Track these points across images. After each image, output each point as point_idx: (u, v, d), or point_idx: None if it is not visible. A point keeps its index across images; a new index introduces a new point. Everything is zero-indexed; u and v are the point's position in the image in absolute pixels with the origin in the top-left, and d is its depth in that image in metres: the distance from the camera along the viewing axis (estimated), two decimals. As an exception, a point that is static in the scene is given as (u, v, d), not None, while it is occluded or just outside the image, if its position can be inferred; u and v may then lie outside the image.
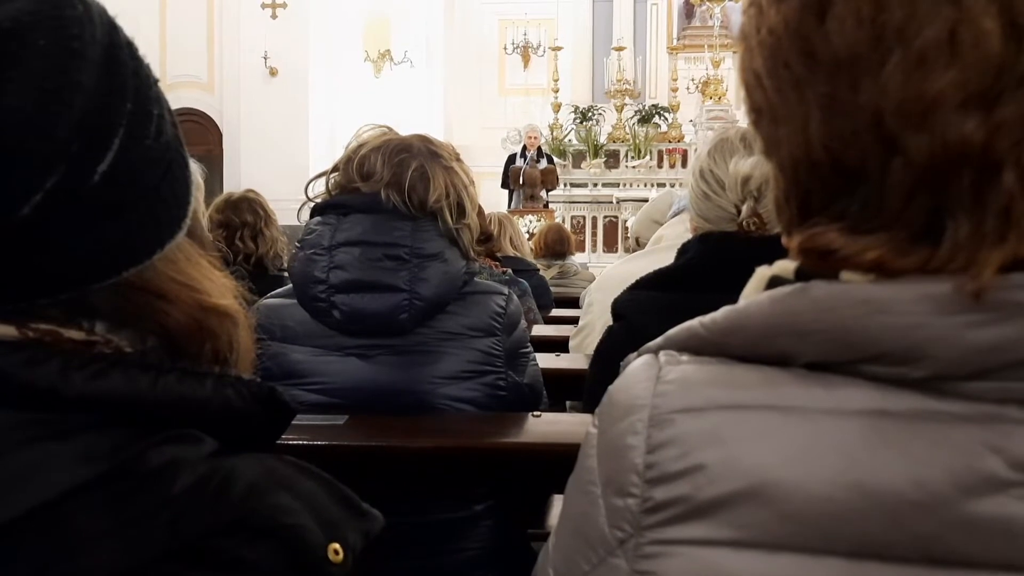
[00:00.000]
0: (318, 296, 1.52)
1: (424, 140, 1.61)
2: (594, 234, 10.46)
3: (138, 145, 0.55)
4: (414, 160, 1.54)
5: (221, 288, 0.64)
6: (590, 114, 12.11)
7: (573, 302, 3.85)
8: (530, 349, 1.71)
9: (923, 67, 0.47)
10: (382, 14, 12.57)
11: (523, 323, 1.68)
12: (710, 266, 1.42)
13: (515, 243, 4.32)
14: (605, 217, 10.44)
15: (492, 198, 9.34)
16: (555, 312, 3.82)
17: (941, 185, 0.48)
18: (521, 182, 9.57)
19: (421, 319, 1.52)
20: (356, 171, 1.56)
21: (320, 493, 0.58)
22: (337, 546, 0.55)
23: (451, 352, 1.54)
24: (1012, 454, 0.46)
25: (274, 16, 11.72)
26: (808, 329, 0.51)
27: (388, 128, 1.64)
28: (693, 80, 12.36)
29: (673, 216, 2.59)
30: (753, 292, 0.57)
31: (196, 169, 0.68)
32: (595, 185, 10.84)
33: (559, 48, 12.10)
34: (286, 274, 1.85)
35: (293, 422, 0.65)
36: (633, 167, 11.05)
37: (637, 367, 0.59)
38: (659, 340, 0.59)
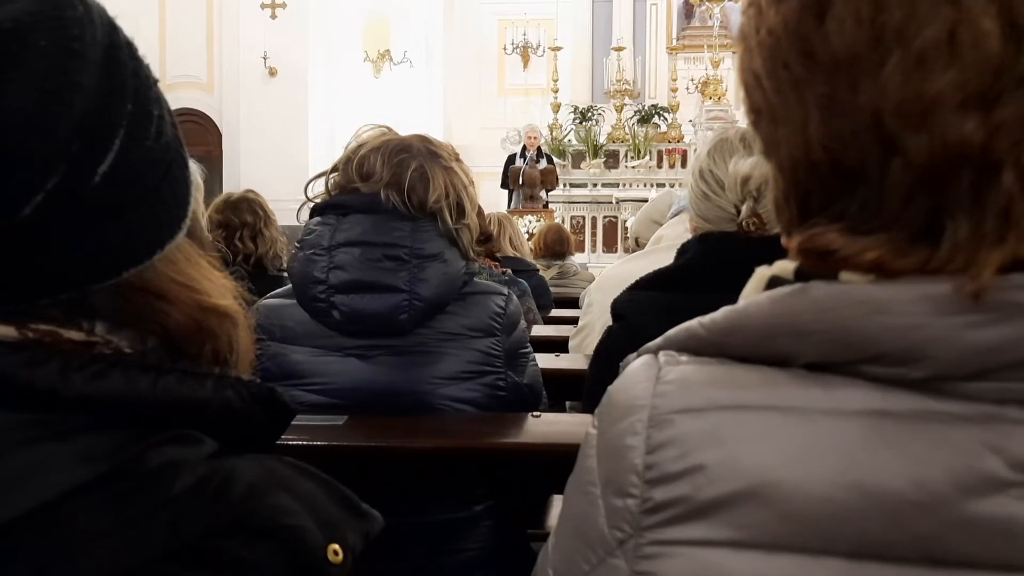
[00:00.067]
0: (318, 296, 1.52)
1: (424, 140, 1.61)
2: (594, 234, 10.46)
3: (138, 146, 0.56)
4: (414, 160, 1.54)
5: (221, 288, 0.64)
6: (589, 114, 12.11)
7: (573, 302, 3.85)
8: (530, 349, 1.71)
9: (922, 68, 0.47)
10: (381, 14, 12.57)
11: (523, 323, 1.68)
12: (710, 266, 1.42)
13: (515, 243, 4.32)
14: (605, 217, 10.44)
15: (492, 198, 9.33)
16: (555, 312, 3.82)
17: (940, 185, 0.48)
18: (521, 182, 9.57)
19: (421, 319, 1.52)
20: (356, 171, 1.56)
21: (320, 494, 0.58)
22: (337, 547, 0.55)
23: (451, 352, 1.54)
24: (1012, 454, 0.46)
25: (273, 16, 11.72)
26: (808, 329, 0.51)
27: (388, 128, 1.64)
28: (692, 80, 12.36)
29: (673, 216, 2.59)
30: (753, 292, 0.57)
31: (195, 169, 0.68)
32: (595, 185, 10.84)
33: (559, 48, 12.11)
34: (285, 274, 1.85)
35: (293, 422, 0.65)
36: (633, 167, 11.05)
37: (637, 367, 0.59)
38: (659, 340, 0.59)
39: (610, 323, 1.61)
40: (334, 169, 1.60)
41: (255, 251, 3.11)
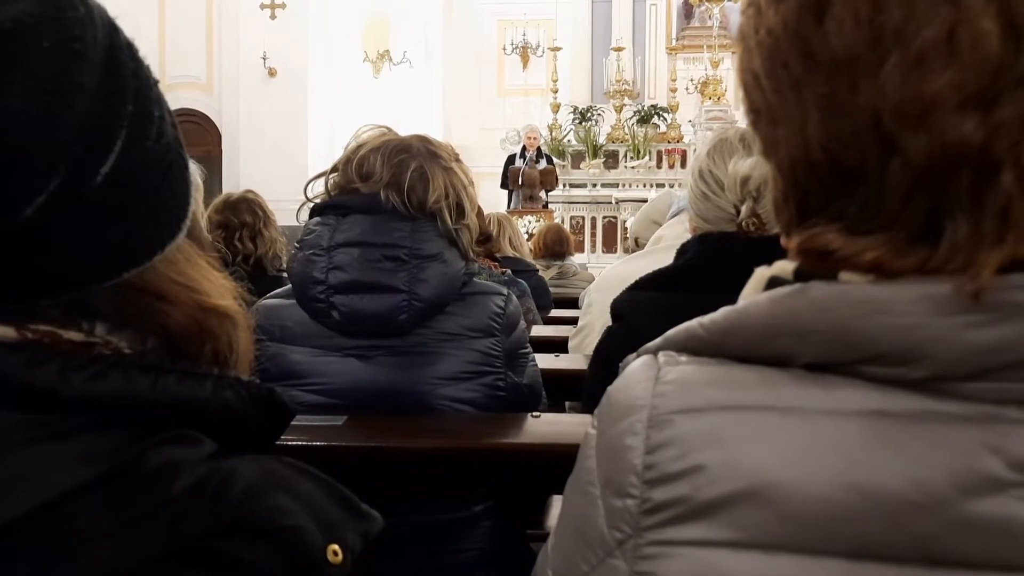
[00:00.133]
0: (317, 297, 1.52)
1: (423, 140, 1.61)
2: (593, 234, 10.46)
3: (139, 147, 0.56)
4: (413, 160, 1.54)
5: (220, 289, 0.64)
6: (589, 114, 12.11)
7: (572, 302, 3.85)
8: (529, 350, 1.71)
9: (921, 68, 0.47)
10: (381, 14, 12.57)
11: (522, 324, 1.68)
12: (709, 266, 1.42)
13: (514, 243, 4.33)
14: (604, 217, 10.44)
15: (491, 198, 9.33)
16: (554, 312, 3.82)
17: (939, 186, 0.48)
18: (520, 182, 9.57)
19: (420, 320, 1.52)
20: (355, 171, 1.56)
21: (319, 494, 0.58)
22: (336, 547, 0.55)
23: (450, 353, 1.54)
24: (1011, 454, 0.46)
25: (273, 16, 11.71)
26: (807, 329, 0.51)
27: (387, 128, 1.64)
28: (692, 80, 12.36)
29: (672, 216, 2.59)
30: (752, 293, 0.57)
31: (195, 170, 0.68)
32: (594, 185, 10.84)
33: (558, 48, 12.11)
34: (285, 275, 1.85)
35: (292, 423, 0.65)
36: (632, 167, 11.06)
37: (636, 368, 0.59)
38: (658, 341, 0.59)
39: (610, 323, 1.61)
40: (334, 169, 1.60)
41: (254, 251, 3.11)
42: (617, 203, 10.27)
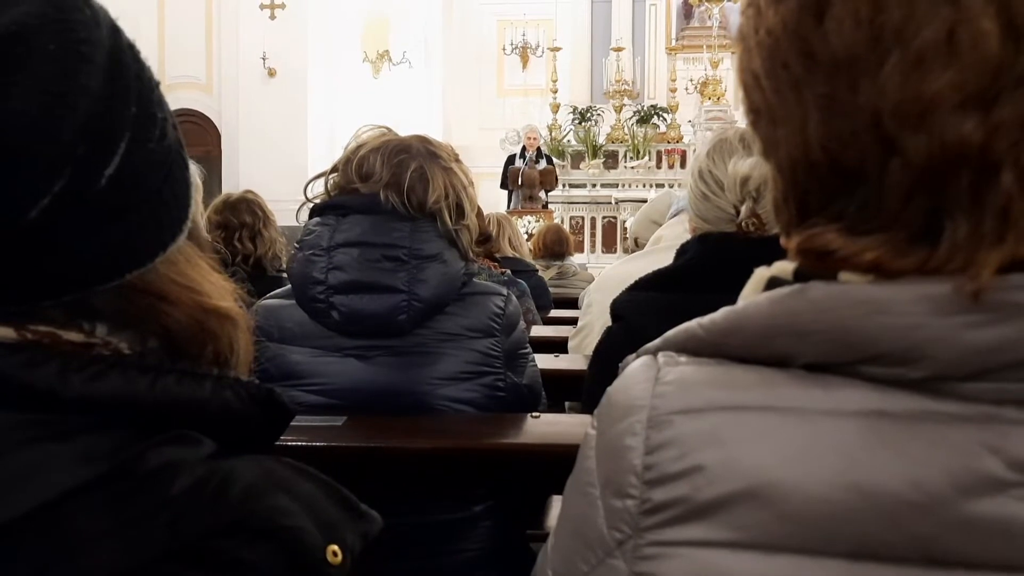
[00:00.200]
0: (317, 297, 1.52)
1: (423, 141, 1.61)
2: (593, 235, 10.46)
3: (142, 148, 0.56)
4: (413, 161, 1.54)
5: (221, 290, 0.64)
6: (589, 115, 12.11)
7: (572, 303, 3.85)
8: (529, 350, 1.71)
9: (921, 68, 0.47)
10: (381, 15, 12.57)
11: (522, 324, 1.68)
12: (709, 267, 1.42)
13: (514, 244, 4.33)
14: (604, 218, 10.44)
15: (491, 199, 9.33)
16: (554, 313, 3.82)
17: (939, 186, 0.48)
18: (520, 183, 9.56)
19: (420, 320, 1.52)
20: (355, 172, 1.56)
21: (318, 495, 0.58)
22: (336, 547, 0.55)
23: (450, 353, 1.54)
24: (1010, 454, 0.46)
25: (272, 17, 11.72)
26: (807, 330, 0.51)
27: (387, 129, 1.64)
28: (692, 80, 12.37)
29: (672, 217, 2.59)
30: (752, 293, 0.57)
31: (194, 170, 0.68)
32: (594, 186, 10.84)
33: (558, 49, 12.11)
34: (285, 275, 1.85)
35: (292, 423, 0.65)
36: (632, 167, 11.06)
37: (636, 368, 0.59)
38: (658, 341, 0.59)
39: (609, 324, 1.61)
40: (333, 169, 1.60)
41: (254, 252, 3.11)
42: (617, 203, 10.27)
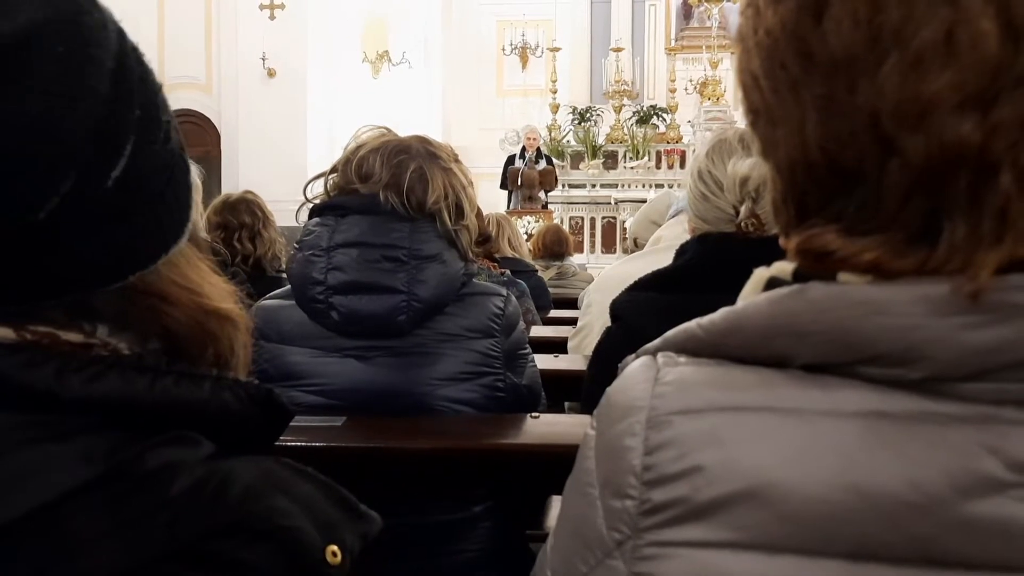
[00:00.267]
0: (316, 297, 1.52)
1: (423, 141, 1.61)
2: (592, 235, 10.46)
3: (147, 151, 0.56)
4: (413, 161, 1.54)
5: (221, 292, 0.65)
6: (588, 115, 12.11)
7: (571, 303, 3.85)
8: (528, 350, 1.71)
9: (920, 68, 0.47)
10: (380, 15, 12.58)
11: (521, 324, 1.68)
12: (708, 267, 1.42)
13: (513, 244, 4.33)
14: (603, 218, 10.44)
15: (491, 199, 9.34)
16: (553, 313, 3.82)
17: (938, 186, 0.48)
18: (519, 183, 9.57)
19: (419, 320, 1.52)
20: (355, 172, 1.56)
21: (317, 495, 0.58)
22: (335, 548, 0.55)
23: (449, 353, 1.54)
24: (1009, 455, 0.47)
25: (272, 17, 11.72)
26: (806, 330, 0.51)
27: (387, 129, 1.64)
28: (691, 81, 12.37)
29: (671, 217, 2.59)
30: (751, 293, 0.57)
31: (194, 171, 0.68)
32: (593, 186, 10.84)
33: (557, 49, 12.11)
34: (284, 275, 1.85)
35: (291, 423, 0.65)
36: (631, 168, 11.06)
37: (635, 369, 0.59)
38: (657, 342, 0.59)
39: (609, 324, 1.61)
40: (333, 170, 1.60)
41: (254, 252, 3.11)
42: (616, 203, 10.27)
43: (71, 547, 0.48)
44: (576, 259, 5.95)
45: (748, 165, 1.40)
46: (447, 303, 1.55)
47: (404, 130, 1.69)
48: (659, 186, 9.76)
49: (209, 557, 0.51)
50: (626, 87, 12.05)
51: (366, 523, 0.60)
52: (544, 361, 2.08)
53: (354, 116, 9.25)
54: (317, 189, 1.60)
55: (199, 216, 0.67)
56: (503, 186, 10.00)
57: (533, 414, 1.57)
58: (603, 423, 0.59)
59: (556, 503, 1.24)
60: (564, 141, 11.54)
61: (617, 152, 11.32)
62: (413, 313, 1.50)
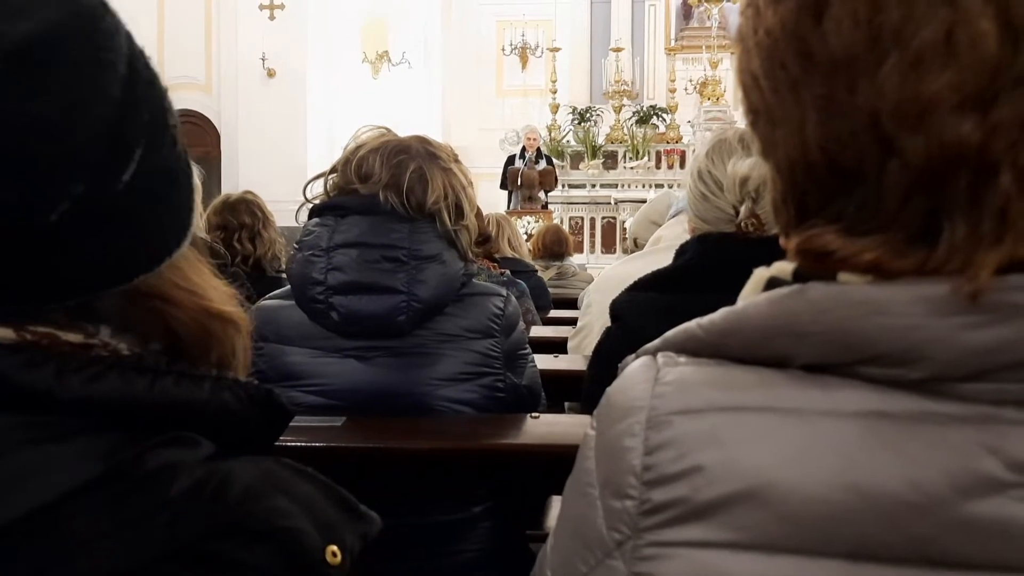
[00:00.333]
0: (316, 298, 1.52)
1: (422, 141, 1.61)
2: (592, 235, 10.46)
3: (156, 155, 0.57)
4: (412, 161, 1.54)
5: (223, 294, 0.65)
6: (588, 115, 12.11)
7: (571, 303, 3.85)
8: (528, 350, 1.71)
9: (920, 68, 0.47)
10: (380, 15, 12.57)
11: (521, 324, 1.68)
12: (708, 267, 1.42)
13: (513, 244, 4.33)
14: (603, 218, 10.45)
15: (491, 199, 9.34)
16: (553, 313, 3.82)
17: (938, 186, 0.48)
18: (519, 183, 9.57)
19: (419, 321, 1.52)
20: (354, 172, 1.56)
21: (317, 496, 0.58)
22: (335, 548, 0.55)
23: (449, 354, 1.54)
24: (1009, 455, 0.46)
25: (272, 17, 11.71)
26: (806, 330, 0.51)
27: (386, 129, 1.64)
28: (691, 81, 12.36)
29: (671, 217, 2.59)
30: (751, 294, 0.57)
31: (195, 173, 0.69)
32: (593, 186, 10.84)
33: (557, 49, 12.10)
34: (284, 276, 1.85)
35: (291, 424, 0.65)
36: (631, 168, 11.06)
37: (635, 369, 0.59)
38: (657, 342, 0.59)
39: (609, 324, 1.61)
40: (333, 170, 1.60)
41: (253, 252, 3.11)
42: (616, 203, 10.27)
43: (71, 547, 0.48)
44: (576, 259, 5.95)
45: (748, 165, 1.40)
46: (447, 303, 1.55)
47: (404, 130, 1.69)
48: (659, 186, 9.76)
49: (209, 557, 0.51)
50: (626, 87, 12.05)
51: (366, 523, 0.60)
52: (544, 361, 2.08)
53: (354, 116, 9.25)
54: (317, 189, 1.60)
55: (199, 217, 0.67)
56: (503, 186, 10.00)
57: (533, 414, 1.57)
58: (603, 423, 0.59)
59: (556, 503, 1.24)
60: (564, 141, 11.54)
61: (617, 152, 11.32)
62: (413, 313, 1.50)
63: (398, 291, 1.49)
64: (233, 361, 0.65)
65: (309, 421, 1.44)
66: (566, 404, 2.33)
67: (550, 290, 4.28)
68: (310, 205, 1.60)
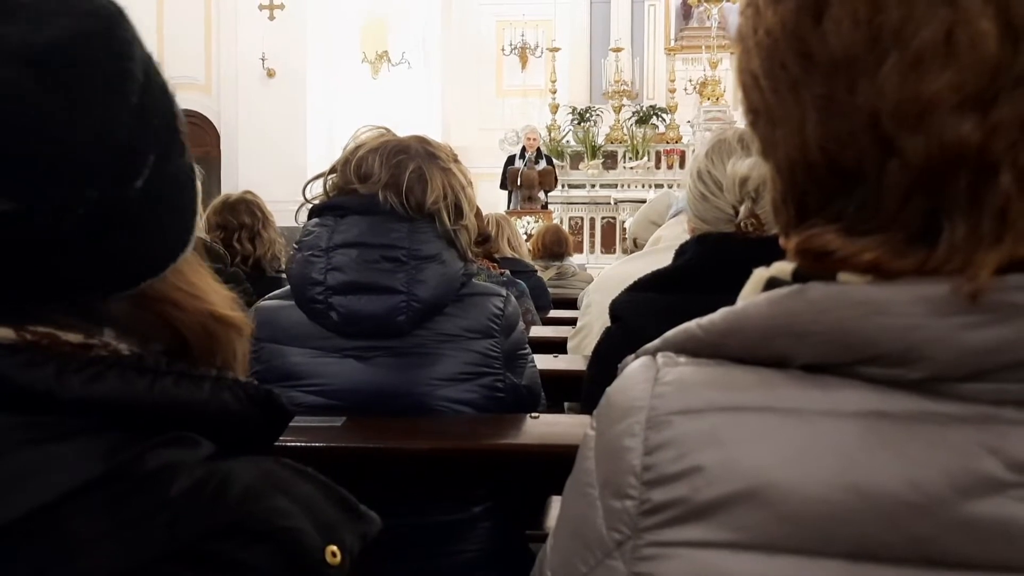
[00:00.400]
0: (316, 298, 1.52)
1: (422, 141, 1.61)
2: (592, 235, 10.47)
3: (167, 161, 0.58)
4: (411, 161, 1.54)
5: (225, 298, 0.66)
6: (588, 115, 12.11)
7: (571, 303, 3.85)
8: (528, 350, 1.71)
9: (920, 68, 0.47)
10: (380, 15, 12.57)
11: (521, 325, 1.68)
12: (708, 267, 1.42)
13: (513, 244, 4.33)
14: (603, 218, 10.45)
15: (491, 199, 9.33)
16: (553, 313, 3.82)
17: (937, 186, 0.48)
18: (519, 183, 9.57)
19: (419, 321, 1.52)
20: (354, 172, 1.56)
21: (317, 496, 0.58)
22: (335, 548, 0.55)
23: (449, 354, 1.54)
24: (1009, 455, 0.46)
25: (272, 17, 11.71)
26: (806, 330, 0.51)
27: (386, 129, 1.64)
28: (691, 81, 12.36)
29: (671, 217, 2.59)
30: (751, 294, 0.57)
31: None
32: (593, 186, 10.84)
33: (557, 49, 12.10)
34: (284, 276, 1.85)
35: (291, 424, 0.65)
36: (631, 168, 11.06)
37: (635, 369, 0.59)
38: (657, 342, 0.59)
39: (608, 324, 1.61)
40: (332, 170, 1.60)
41: (253, 252, 3.11)
42: (616, 204, 10.27)
43: (71, 547, 0.48)
44: (576, 259, 5.95)
45: (748, 165, 1.40)
46: (446, 303, 1.55)
47: (404, 130, 1.69)
48: (659, 186, 9.76)
49: (209, 557, 0.51)
50: (625, 87, 12.05)
51: (366, 523, 0.60)
52: (544, 361, 2.08)
53: (354, 116, 9.24)
54: (316, 190, 1.60)
55: (199, 217, 0.68)
56: (503, 186, 10.00)
57: (533, 414, 1.57)
58: (603, 423, 0.59)
59: (556, 503, 1.24)
60: (564, 141, 11.54)
61: (617, 152, 11.32)
62: (412, 313, 1.50)
63: (398, 291, 1.49)
64: (234, 364, 0.65)
65: (309, 421, 1.44)
66: (566, 404, 2.33)
67: (550, 290, 4.28)
68: (309, 206, 1.60)
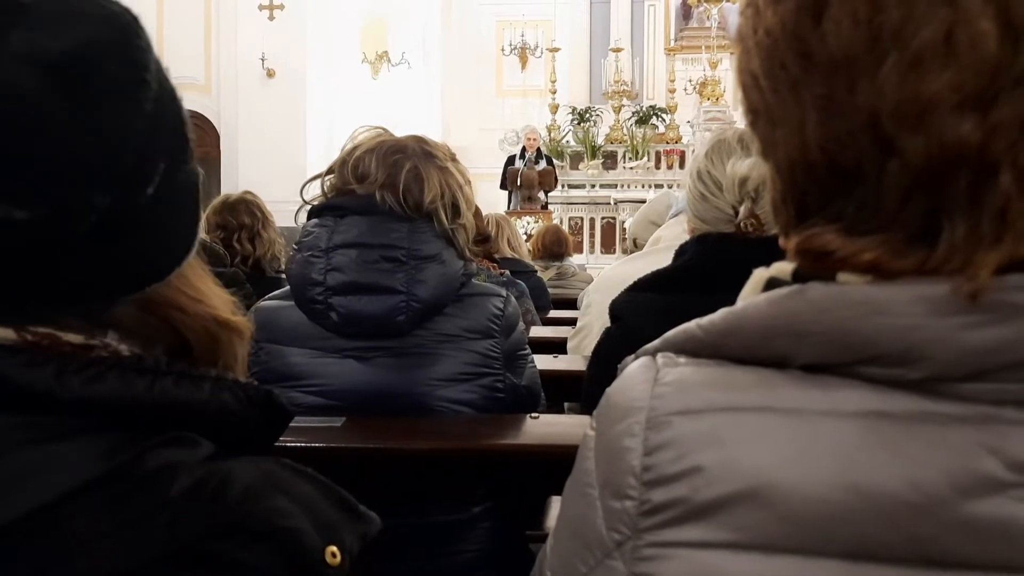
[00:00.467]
0: (315, 298, 1.52)
1: (419, 141, 1.61)
2: (592, 235, 10.47)
3: (176, 168, 0.58)
4: (408, 161, 1.54)
5: (226, 302, 0.66)
6: (588, 115, 12.11)
7: (571, 303, 3.85)
8: (528, 351, 1.71)
9: (919, 68, 0.47)
10: (379, 15, 12.57)
11: (521, 325, 1.68)
12: (708, 268, 1.42)
13: (513, 244, 4.33)
14: (603, 218, 10.45)
15: (490, 199, 9.33)
16: (553, 313, 3.82)
17: (937, 187, 0.48)
18: (519, 183, 9.57)
19: (419, 321, 1.52)
20: (351, 173, 1.56)
21: (317, 496, 0.58)
22: (334, 548, 0.55)
23: (449, 354, 1.54)
24: (1009, 455, 0.46)
25: (271, 18, 11.71)
26: (806, 330, 0.51)
27: (383, 129, 1.64)
28: (691, 81, 12.36)
29: (671, 217, 2.59)
30: (751, 294, 0.57)
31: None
32: (593, 186, 10.84)
33: (556, 49, 12.10)
34: (283, 276, 1.85)
35: (291, 424, 0.65)
36: (631, 168, 11.06)
37: (635, 369, 0.59)
38: (657, 342, 0.59)
39: (608, 324, 1.61)
40: (329, 171, 1.60)
41: (253, 253, 3.11)
42: (616, 204, 10.28)
43: (71, 547, 0.48)
44: (575, 259, 5.95)
45: (747, 165, 1.40)
46: (446, 303, 1.55)
47: (403, 130, 1.69)
48: (658, 186, 9.76)
49: (209, 557, 0.51)
50: (625, 87, 12.05)
51: (365, 524, 0.60)
52: (543, 361, 2.08)
53: (353, 116, 9.23)
54: (314, 191, 1.60)
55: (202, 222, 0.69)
56: (503, 186, 10.00)
57: (533, 414, 1.57)
58: (602, 424, 0.59)
59: (556, 503, 1.24)
60: (563, 141, 11.54)
61: (616, 152, 11.33)
62: (412, 313, 1.50)
63: (397, 291, 1.49)
64: (235, 366, 0.66)
65: (309, 421, 1.44)
66: (566, 404, 2.33)
67: (550, 290, 4.28)
68: (308, 207, 1.60)
